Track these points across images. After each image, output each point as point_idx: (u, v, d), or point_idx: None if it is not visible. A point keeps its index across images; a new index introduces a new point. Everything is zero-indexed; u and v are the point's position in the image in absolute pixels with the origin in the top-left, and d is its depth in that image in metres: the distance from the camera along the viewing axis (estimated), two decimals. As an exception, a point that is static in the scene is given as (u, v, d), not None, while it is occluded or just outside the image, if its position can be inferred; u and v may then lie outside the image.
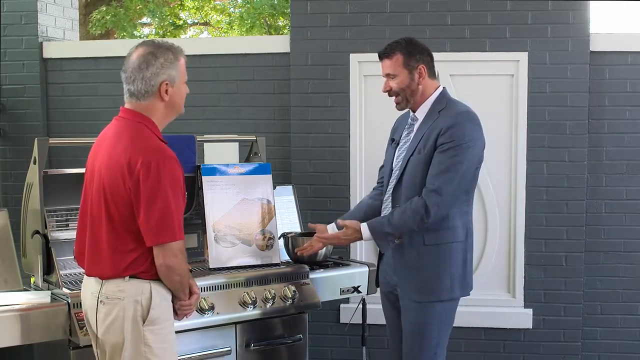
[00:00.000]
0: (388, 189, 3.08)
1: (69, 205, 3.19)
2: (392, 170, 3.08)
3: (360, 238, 3.02)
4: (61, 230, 3.17)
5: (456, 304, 3.04)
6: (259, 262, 3.35)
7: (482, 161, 3.01)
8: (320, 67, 4.40)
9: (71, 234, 3.16)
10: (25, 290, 3.05)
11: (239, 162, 3.95)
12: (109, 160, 2.47)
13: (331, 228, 3.29)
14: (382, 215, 3.09)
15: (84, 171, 2.63)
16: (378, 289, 3.34)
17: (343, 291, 3.53)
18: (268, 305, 3.18)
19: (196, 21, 13.58)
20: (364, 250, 4.39)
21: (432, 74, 3.05)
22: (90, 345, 2.68)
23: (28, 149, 3.19)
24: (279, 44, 4.55)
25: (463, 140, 2.87)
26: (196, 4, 13.03)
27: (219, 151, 4.08)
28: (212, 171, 3.40)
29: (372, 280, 3.58)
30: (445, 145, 2.88)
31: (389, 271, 3.12)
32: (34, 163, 3.06)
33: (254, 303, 3.13)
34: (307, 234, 3.56)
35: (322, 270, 3.48)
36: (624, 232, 4.38)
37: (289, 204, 3.84)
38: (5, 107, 4.72)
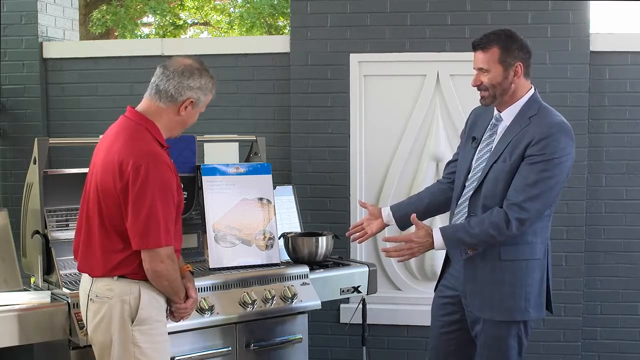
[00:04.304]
0: (465, 192, 2.87)
1: (69, 205, 3.18)
2: (470, 172, 2.87)
3: (431, 244, 2.77)
4: (61, 230, 3.17)
5: (530, 324, 2.84)
6: (259, 262, 3.35)
7: (569, 175, 2.79)
8: (320, 67, 4.40)
9: (71, 234, 3.15)
10: (25, 290, 3.05)
11: (239, 162, 3.95)
12: (104, 159, 2.49)
13: (386, 213, 3.11)
14: (452, 219, 2.93)
15: (87, 168, 2.65)
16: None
17: (343, 291, 3.53)
18: (268, 305, 3.18)
19: (196, 21, 13.59)
20: (364, 250, 4.39)
21: (528, 73, 2.81)
22: (90, 345, 2.69)
23: (28, 149, 3.19)
24: (279, 44, 4.54)
25: (555, 154, 2.66)
26: (196, 4, 13.03)
27: (219, 151, 4.07)
28: (212, 171, 3.40)
29: (373, 282, 3.57)
30: (535, 158, 2.66)
31: (454, 281, 2.93)
32: (34, 163, 3.06)
33: (254, 303, 3.13)
34: (307, 234, 3.57)
35: (322, 270, 3.48)
36: (624, 232, 4.38)
37: (289, 204, 3.84)
38: (5, 107, 4.72)
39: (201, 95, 2.56)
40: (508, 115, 2.82)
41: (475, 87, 2.85)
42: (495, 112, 2.87)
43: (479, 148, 2.89)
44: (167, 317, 2.62)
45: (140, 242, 2.41)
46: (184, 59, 2.58)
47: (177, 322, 2.68)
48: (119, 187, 2.41)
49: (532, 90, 2.84)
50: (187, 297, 2.61)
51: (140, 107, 2.55)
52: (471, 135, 2.97)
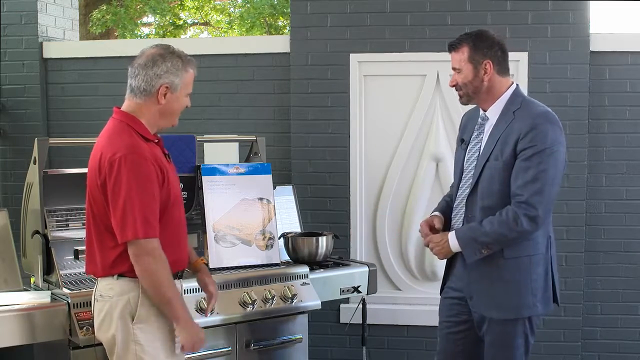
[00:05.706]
0: (459, 194, 2.90)
1: (69, 205, 3.19)
2: (462, 174, 2.90)
3: (448, 243, 2.83)
4: (61, 230, 3.17)
5: (536, 321, 2.86)
6: (259, 262, 3.35)
7: (565, 166, 2.80)
8: (320, 67, 4.40)
9: (71, 234, 3.18)
10: (25, 290, 3.05)
11: (239, 162, 3.95)
12: (91, 159, 2.53)
13: (438, 220, 3.04)
14: (452, 222, 2.95)
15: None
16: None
17: (343, 291, 3.53)
18: (268, 305, 3.18)
19: (196, 21, 13.58)
20: (364, 250, 4.39)
21: (503, 70, 2.83)
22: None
23: (28, 149, 3.19)
24: (279, 44, 4.55)
25: (546, 144, 2.67)
26: (196, 4, 13.03)
27: (219, 151, 4.08)
28: (212, 171, 3.40)
29: (373, 282, 3.57)
30: (528, 152, 2.67)
31: (458, 282, 2.94)
32: (34, 163, 3.07)
33: (254, 303, 3.13)
34: (307, 234, 3.57)
35: (322, 270, 3.48)
36: (624, 232, 4.38)
37: (289, 204, 3.84)
38: (5, 107, 4.72)
39: (174, 78, 2.52)
40: (493, 113, 2.84)
41: (453, 88, 2.89)
42: (481, 111, 2.89)
43: (468, 149, 2.92)
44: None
45: (121, 234, 2.40)
46: (148, 49, 2.56)
47: (194, 351, 2.55)
48: (99, 183, 2.44)
49: (514, 87, 2.86)
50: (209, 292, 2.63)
51: (123, 107, 2.58)
52: (461, 138, 3.00)
